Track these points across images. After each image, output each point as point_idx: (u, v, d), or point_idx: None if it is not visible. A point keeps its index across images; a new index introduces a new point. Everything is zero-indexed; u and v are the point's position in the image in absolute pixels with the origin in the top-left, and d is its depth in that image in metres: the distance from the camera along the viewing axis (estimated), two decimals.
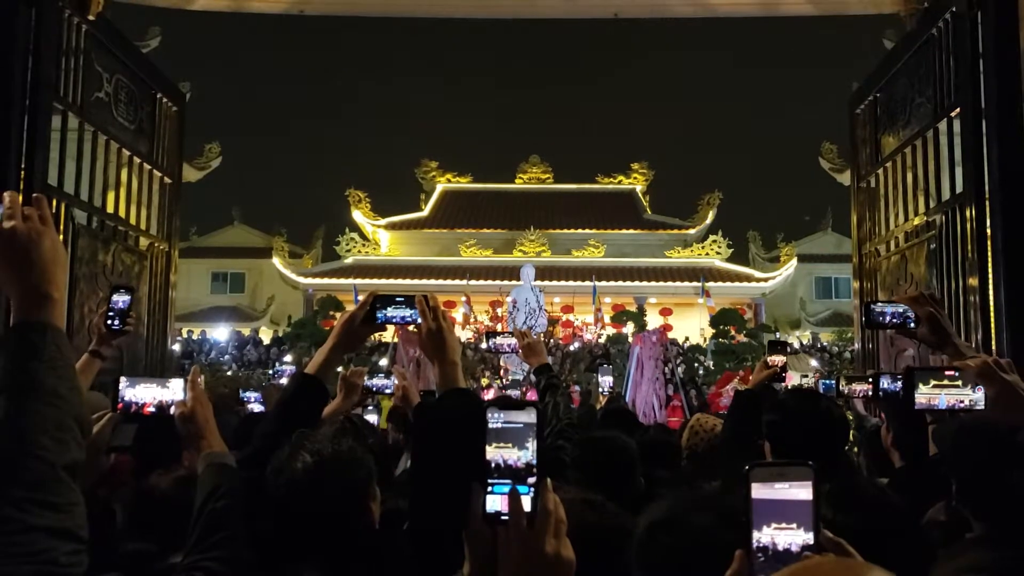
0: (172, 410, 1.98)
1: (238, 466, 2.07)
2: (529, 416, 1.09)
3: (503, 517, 1.07)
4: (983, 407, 2.06)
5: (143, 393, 2.10)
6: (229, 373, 24.26)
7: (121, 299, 3.10)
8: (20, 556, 1.10)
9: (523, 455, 1.08)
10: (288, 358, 25.09)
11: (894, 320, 2.46)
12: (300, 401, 2.19)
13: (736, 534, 1.12)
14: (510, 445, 1.07)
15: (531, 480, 1.08)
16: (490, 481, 1.08)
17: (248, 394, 6.23)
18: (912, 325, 2.45)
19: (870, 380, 4.55)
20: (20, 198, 1.36)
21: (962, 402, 2.11)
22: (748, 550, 1.09)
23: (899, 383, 3.33)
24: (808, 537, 1.09)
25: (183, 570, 1.60)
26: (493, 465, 1.07)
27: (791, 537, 1.09)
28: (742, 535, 1.09)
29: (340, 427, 2.38)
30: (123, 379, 2.14)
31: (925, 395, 2.15)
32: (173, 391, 2.07)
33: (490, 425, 1.08)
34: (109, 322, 3.07)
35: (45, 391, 1.24)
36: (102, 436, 2.21)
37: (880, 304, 2.51)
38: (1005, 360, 2.09)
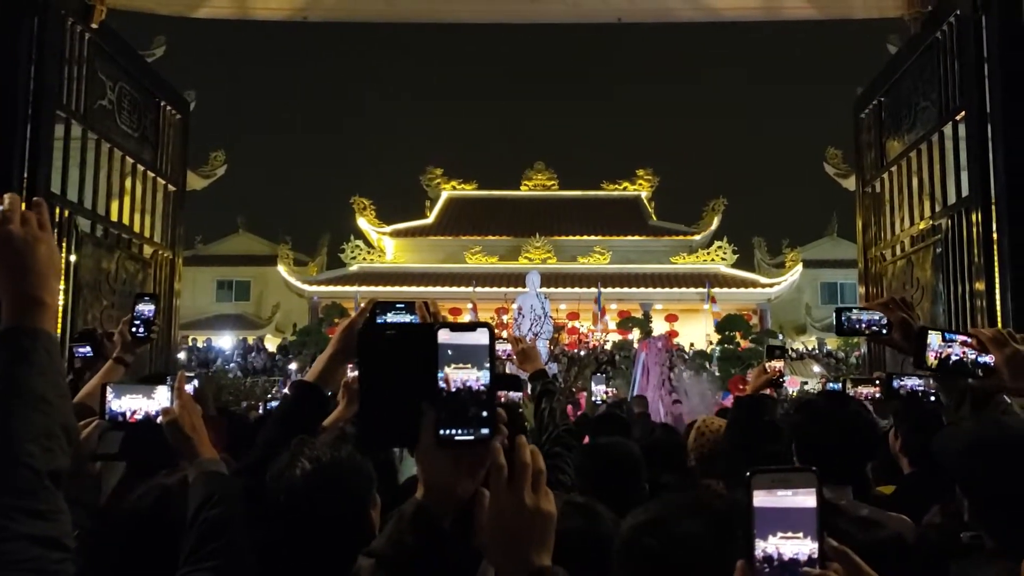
0: (159, 419, 1.95)
1: (237, 474, 2.05)
2: (482, 337, 1.08)
3: (457, 439, 1.06)
4: (987, 362, 2.09)
5: (129, 403, 2.07)
6: (232, 377, 24.23)
7: (146, 308, 3.25)
8: (7, 565, 1.09)
9: (482, 375, 1.06)
10: (294, 365, 25.14)
11: (867, 327, 2.45)
12: (300, 409, 2.17)
13: (739, 544, 1.09)
14: (469, 365, 1.06)
15: (486, 414, 1.06)
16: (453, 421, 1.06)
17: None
18: (885, 332, 2.43)
19: (876, 383, 4.51)
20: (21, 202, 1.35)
21: (964, 354, 2.12)
22: (750, 560, 1.06)
23: (914, 380, 3.28)
24: (814, 546, 1.05)
25: None
26: (454, 388, 1.06)
27: (797, 546, 1.05)
28: (744, 545, 1.06)
29: (340, 434, 2.36)
30: (109, 388, 2.11)
31: (935, 351, 2.15)
32: (159, 400, 2.04)
33: (445, 345, 1.06)
34: (134, 330, 3.20)
35: (34, 397, 1.23)
36: (89, 443, 2.18)
37: (852, 311, 2.49)
38: (1021, 335, 2.13)
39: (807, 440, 2.61)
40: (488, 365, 1.07)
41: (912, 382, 3.92)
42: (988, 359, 2.12)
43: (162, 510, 1.87)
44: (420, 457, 1.11)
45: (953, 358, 2.14)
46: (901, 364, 7.89)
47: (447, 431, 1.06)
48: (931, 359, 2.15)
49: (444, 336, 1.07)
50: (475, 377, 1.06)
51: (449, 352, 1.06)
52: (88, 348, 3.85)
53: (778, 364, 4.00)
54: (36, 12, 6.51)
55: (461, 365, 1.06)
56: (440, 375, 1.06)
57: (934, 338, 2.15)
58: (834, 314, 2.52)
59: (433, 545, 1.11)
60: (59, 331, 6.29)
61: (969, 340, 2.14)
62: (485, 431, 1.06)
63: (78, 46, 7.19)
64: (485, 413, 1.06)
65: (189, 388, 3.99)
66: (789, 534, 1.05)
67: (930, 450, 2.50)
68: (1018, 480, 1.78)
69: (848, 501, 2.49)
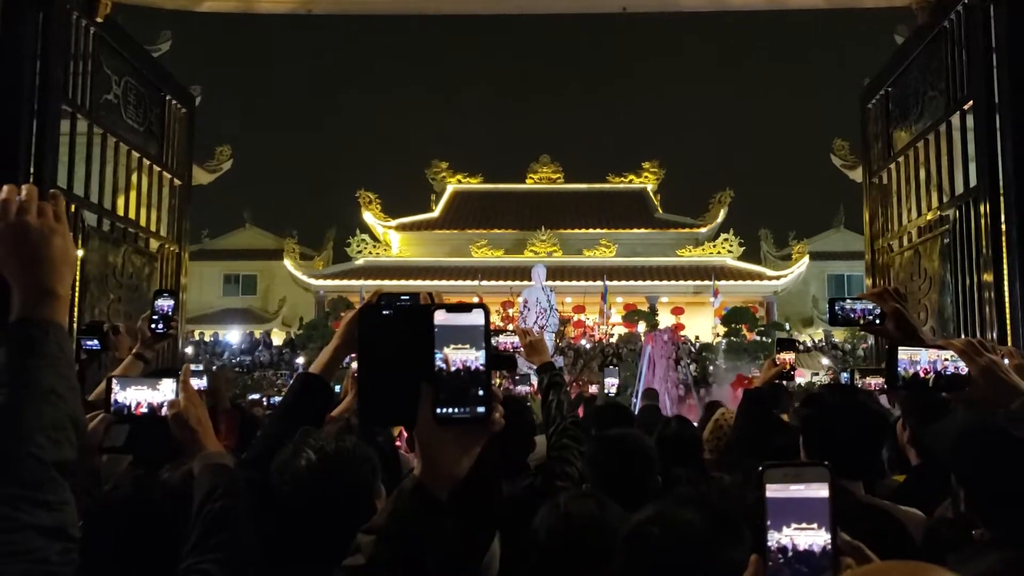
0: (164, 411, 1.95)
1: (243, 466, 2.05)
2: (478, 317, 1.10)
3: (454, 417, 1.08)
4: (961, 370, 2.05)
5: (133, 395, 2.07)
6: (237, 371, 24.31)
7: (165, 303, 3.22)
8: (12, 555, 1.09)
9: (478, 355, 1.08)
10: (301, 359, 25.22)
11: (861, 316, 2.43)
12: (305, 401, 2.18)
13: (740, 536, 1.10)
14: (467, 346, 1.08)
15: (482, 392, 1.09)
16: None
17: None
18: (878, 322, 2.41)
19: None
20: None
21: (945, 360, 2.08)
22: (763, 553, 1.06)
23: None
24: (828, 538, 1.06)
25: (180, 574, 1.57)
26: (454, 369, 1.08)
27: (812, 538, 1.05)
28: (757, 538, 1.07)
29: (344, 424, 2.36)
30: (114, 381, 2.12)
31: (906, 352, 2.12)
32: (163, 393, 2.04)
33: (443, 325, 1.08)
34: (153, 326, 3.18)
35: (43, 389, 1.23)
36: (95, 436, 2.19)
37: (846, 301, 2.48)
38: (991, 342, 2.08)
39: (815, 434, 2.58)
40: (484, 345, 1.09)
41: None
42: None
43: (138, 500, 1.88)
44: (418, 435, 1.12)
45: (947, 372, 2.09)
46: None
47: (444, 410, 1.08)
48: (923, 374, 2.11)
49: (440, 317, 1.09)
50: (472, 357, 1.08)
51: (446, 332, 1.08)
52: (95, 341, 3.85)
53: (787, 356, 3.99)
54: (41, 7, 6.52)
55: (458, 345, 1.08)
56: (438, 355, 1.08)
57: (924, 353, 2.11)
58: (827, 304, 2.51)
59: (432, 520, 1.13)
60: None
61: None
62: (481, 410, 1.08)
63: (83, 40, 7.20)
64: (481, 392, 1.08)
65: (203, 382, 3.99)
66: (803, 525, 1.05)
67: (925, 441, 2.47)
68: (1011, 470, 1.77)
69: (861, 495, 2.48)
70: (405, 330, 1.10)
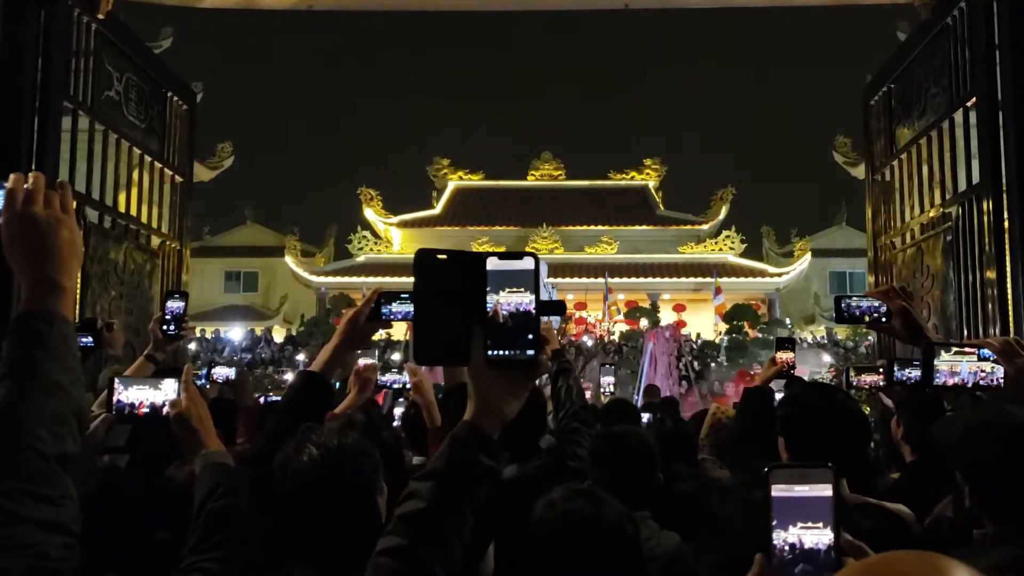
0: (166, 410, 1.95)
1: (246, 464, 2.05)
2: (529, 263, 1.14)
3: (506, 359, 1.13)
4: (1001, 381, 2.03)
5: (135, 395, 2.07)
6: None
7: (176, 305, 3.21)
8: (11, 548, 1.08)
9: (531, 299, 1.13)
10: (302, 356, 25.22)
11: (866, 315, 2.42)
12: (306, 398, 2.19)
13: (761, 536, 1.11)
14: (521, 289, 1.12)
15: (531, 336, 1.12)
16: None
17: None
18: (884, 320, 2.41)
19: (880, 371, 4.47)
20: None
21: (984, 371, 2.06)
22: (768, 552, 1.07)
23: (913, 370, 3.22)
24: (832, 537, 1.07)
25: (181, 572, 1.57)
26: (506, 312, 1.12)
27: (816, 537, 1.08)
28: (764, 536, 1.08)
29: (347, 421, 2.36)
30: (116, 380, 2.11)
31: (947, 363, 2.09)
32: (165, 392, 2.04)
33: (496, 271, 1.12)
34: (165, 327, 3.16)
35: (47, 382, 1.22)
36: (96, 436, 2.19)
37: (852, 299, 2.47)
38: None
39: (795, 434, 2.54)
40: (535, 289, 1.13)
41: (916, 373, 3.88)
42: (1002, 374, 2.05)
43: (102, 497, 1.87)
44: (472, 376, 1.17)
45: (980, 376, 2.07)
46: (911, 353, 7.85)
47: (496, 352, 1.12)
48: (961, 382, 2.09)
49: (493, 263, 1.13)
50: (525, 300, 1.13)
51: (499, 277, 1.12)
52: (89, 338, 3.84)
53: (788, 356, 3.99)
54: (43, 4, 6.50)
55: (512, 289, 1.12)
56: (491, 300, 1.12)
57: (964, 365, 2.07)
58: (833, 302, 2.50)
59: (488, 459, 1.17)
60: None
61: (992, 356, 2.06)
62: (531, 352, 1.13)
63: (85, 37, 7.18)
64: (531, 336, 1.13)
65: (231, 372, 3.90)
66: (808, 524, 1.08)
67: (930, 438, 2.46)
68: (1019, 464, 1.77)
69: (847, 494, 2.47)
70: (459, 275, 1.14)
